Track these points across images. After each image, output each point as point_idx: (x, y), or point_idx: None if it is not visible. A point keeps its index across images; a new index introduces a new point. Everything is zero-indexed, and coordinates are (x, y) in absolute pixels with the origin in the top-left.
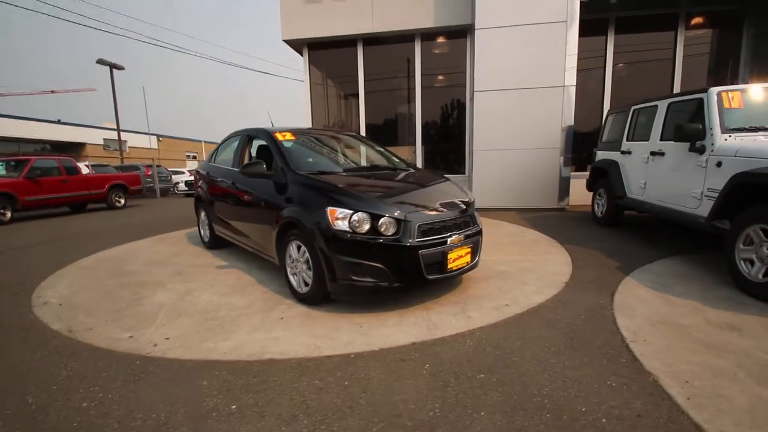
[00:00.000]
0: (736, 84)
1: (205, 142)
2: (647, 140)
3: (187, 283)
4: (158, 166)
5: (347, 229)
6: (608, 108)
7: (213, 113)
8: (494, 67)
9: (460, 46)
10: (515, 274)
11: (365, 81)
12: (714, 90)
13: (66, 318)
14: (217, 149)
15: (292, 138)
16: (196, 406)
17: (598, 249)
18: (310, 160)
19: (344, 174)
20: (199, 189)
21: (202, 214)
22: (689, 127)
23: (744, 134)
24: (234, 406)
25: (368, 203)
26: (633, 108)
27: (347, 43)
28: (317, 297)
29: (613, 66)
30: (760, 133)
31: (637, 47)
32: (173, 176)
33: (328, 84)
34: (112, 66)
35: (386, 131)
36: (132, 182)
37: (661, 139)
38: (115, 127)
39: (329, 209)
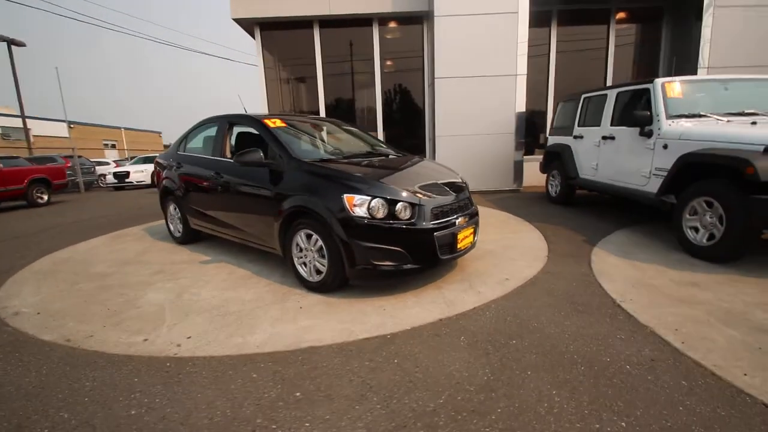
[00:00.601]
0: (657, 75)
1: (125, 129)
2: (598, 126)
3: (176, 281)
4: (79, 156)
5: (366, 215)
6: (552, 95)
7: (137, 97)
8: (453, 55)
9: (417, 33)
10: (501, 252)
11: (323, 64)
12: (659, 81)
13: (54, 327)
14: (185, 137)
15: (283, 125)
16: (259, 398)
17: (561, 225)
18: (307, 147)
19: (347, 161)
20: (165, 181)
21: (171, 207)
22: (638, 114)
23: (685, 120)
24: (298, 393)
25: (384, 189)
26: (583, 96)
27: (303, 24)
28: (334, 284)
29: (556, 56)
30: (698, 119)
31: (577, 39)
32: (97, 167)
33: (284, 67)
34: (10, 42)
35: (346, 116)
36: (55, 176)
37: (612, 125)
38: (13, 113)
39: (346, 196)
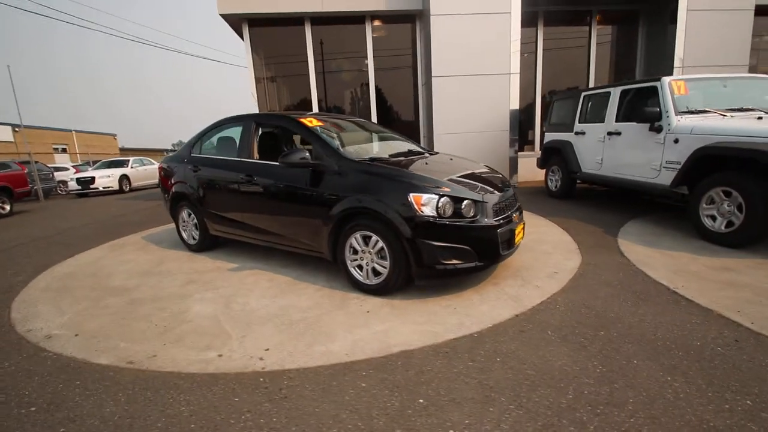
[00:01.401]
0: (635, 74)
1: (76, 131)
2: (602, 122)
3: (215, 290)
4: (36, 162)
5: (433, 213)
6: (540, 93)
7: (92, 97)
8: (449, 54)
9: (409, 31)
10: (533, 246)
11: (315, 62)
12: (666, 79)
13: (105, 349)
14: (199, 139)
15: (320, 124)
16: (384, 408)
17: (573, 218)
18: (350, 146)
19: (396, 159)
20: (177, 186)
21: (185, 213)
22: (649, 111)
23: (690, 116)
24: (421, 400)
25: (449, 187)
26: (584, 94)
27: (294, 21)
28: (396, 286)
29: (543, 54)
30: (702, 115)
31: (561, 38)
32: (56, 173)
33: (274, 65)
34: None
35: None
36: (17, 183)
37: (617, 121)
38: None
39: (413, 195)
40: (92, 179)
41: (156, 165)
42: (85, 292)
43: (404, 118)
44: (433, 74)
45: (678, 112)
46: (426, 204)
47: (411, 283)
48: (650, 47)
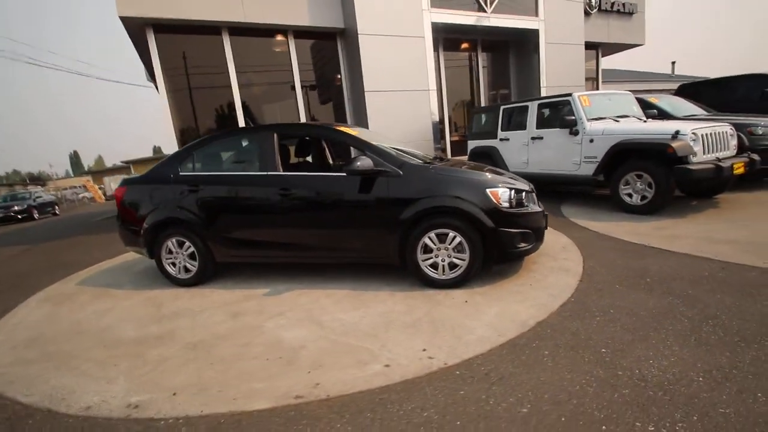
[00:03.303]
0: (507, 93)
1: None
2: (523, 129)
3: (281, 316)
4: None
5: (508, 205)
6: (446, 106)
7: None
8: (379, 70)
9: (333, 48)
10: None
11: (237, 74)
12: (575, 94)
13: (242, 395)
14: (189, 154)
15: (357, 132)
16: (586, 363)
17: None
18: (399, 152)
19: (444, 162)
20: (160, 211)
21: (171, 242)
22: (568, 119)
23: (597, 121)
24: (603, 350)
25: (511, 182)
26: (502, 108)
27: (208, 29)
28: (473, 276)
29: (445, 73)
30: (602, 120)
31: (456, 59)
32: None
33: (183, 76)
34: None
35: None
36: None
37: (538, 128)
38: None
39: (491, 191)
40: None
41: None
42: (102, 351)
43: None
44: (365, 89)
45: (589, 119)
46: (502, 197)
47: (484, 271)
48: (520, 71)
